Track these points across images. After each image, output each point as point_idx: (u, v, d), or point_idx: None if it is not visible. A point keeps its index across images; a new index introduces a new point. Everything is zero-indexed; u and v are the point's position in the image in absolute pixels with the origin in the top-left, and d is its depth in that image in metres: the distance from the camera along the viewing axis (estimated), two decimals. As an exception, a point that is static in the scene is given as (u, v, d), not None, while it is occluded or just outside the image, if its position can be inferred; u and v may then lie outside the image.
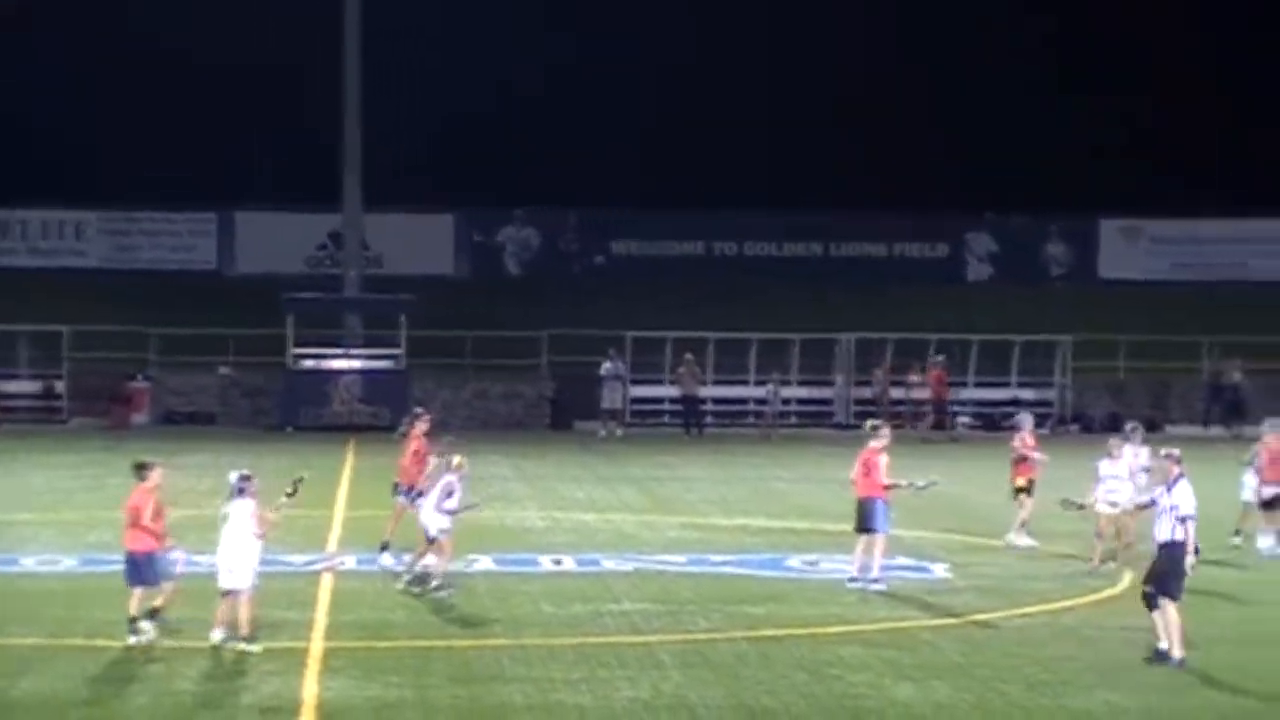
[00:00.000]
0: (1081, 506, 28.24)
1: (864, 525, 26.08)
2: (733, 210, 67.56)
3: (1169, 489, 21.26)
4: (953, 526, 32.40)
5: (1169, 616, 20.80)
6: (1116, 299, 65.13)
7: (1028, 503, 30.59)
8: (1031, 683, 19.96)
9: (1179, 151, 65.92)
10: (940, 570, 27.95)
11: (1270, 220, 69.10)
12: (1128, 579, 26.83)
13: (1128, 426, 30.93)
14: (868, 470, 26.17)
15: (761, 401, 59.28)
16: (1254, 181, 65.90)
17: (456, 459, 25.46)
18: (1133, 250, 69.84)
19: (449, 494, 25.12)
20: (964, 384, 60.41)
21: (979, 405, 60.17)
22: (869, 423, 27.62)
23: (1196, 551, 21.30)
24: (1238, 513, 31.02)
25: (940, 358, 58.15)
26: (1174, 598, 20.81)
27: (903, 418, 55.94)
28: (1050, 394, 59.47)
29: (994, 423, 58.17)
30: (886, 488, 26.08)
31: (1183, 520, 20.94)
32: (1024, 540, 30.25)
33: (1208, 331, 59.95)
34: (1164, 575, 20.94)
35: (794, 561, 28.52)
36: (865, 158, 66.03)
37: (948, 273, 69.42)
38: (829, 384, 60.46)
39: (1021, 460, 30.83)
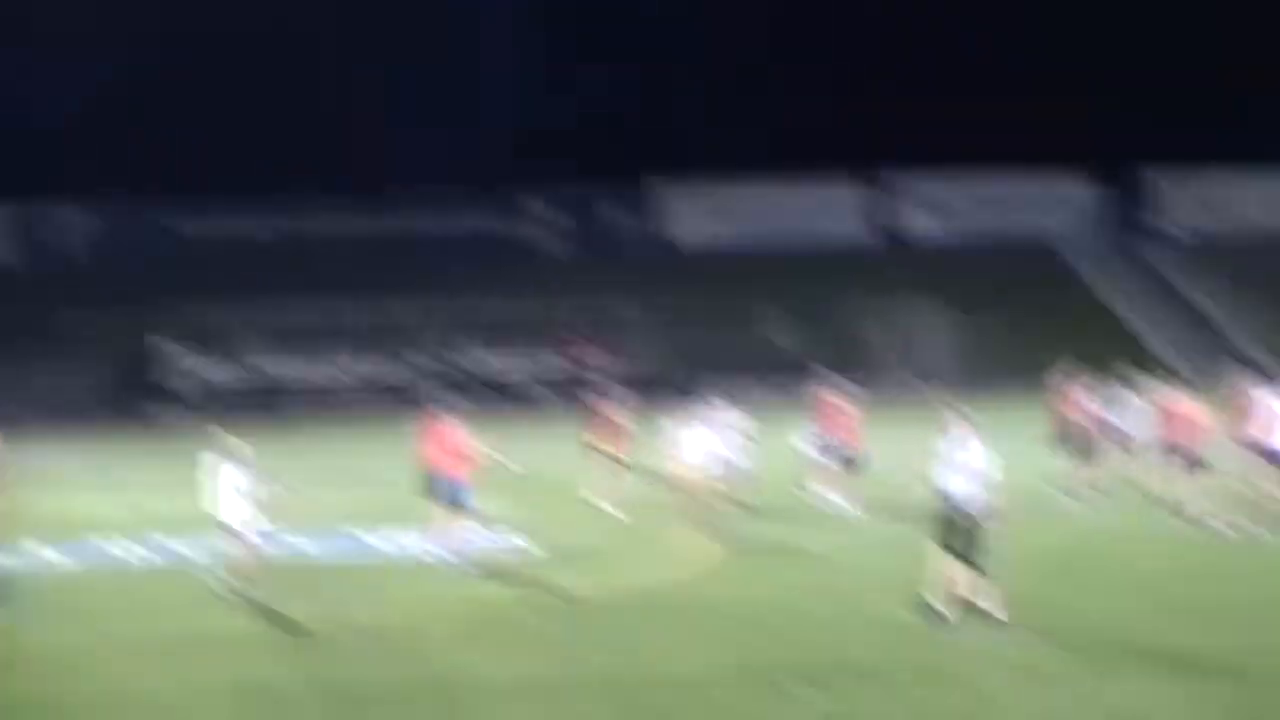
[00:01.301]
0: (659, 469, 28.72)
1: (448, 501, 26.04)
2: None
3: (961, 446, 21.24)
4: (538, 498, 32.31)
5: (952, 572, 20.91)
6: (689, 265, 65.78)
7: (618, 472, 30.74)
8: (619, 650, 20.01)
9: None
10: (527, 543, 27.85)
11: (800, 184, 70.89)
12: (713, 544, 27.21)
13: (721, 391, 31.94)
14: (448, 446, 26.03)
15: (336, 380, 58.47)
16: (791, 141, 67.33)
17: None
18: (698, 213, 70.84)
19: None
20: (534, 355, 60.65)
21: (546, 376, 60.57)
22: (443, 397, 27.45)
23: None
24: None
25: (585, 329, 58.69)
26: (958, 553, 20.89)
27: (477, 391, 56.06)
28: (615, 362, 60.00)
29: (571, 395, 58.62)
30: (467, 462, 25.96)
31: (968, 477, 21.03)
32: (616, 511, 30.30)
33: (771, 294, 61.09)
34: (952, 531, 20.99)
35: (375, 540, 28.18)
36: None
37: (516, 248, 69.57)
38: (403, 360, 60.18)
39: (614, 431, 30.86)
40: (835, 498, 30.87)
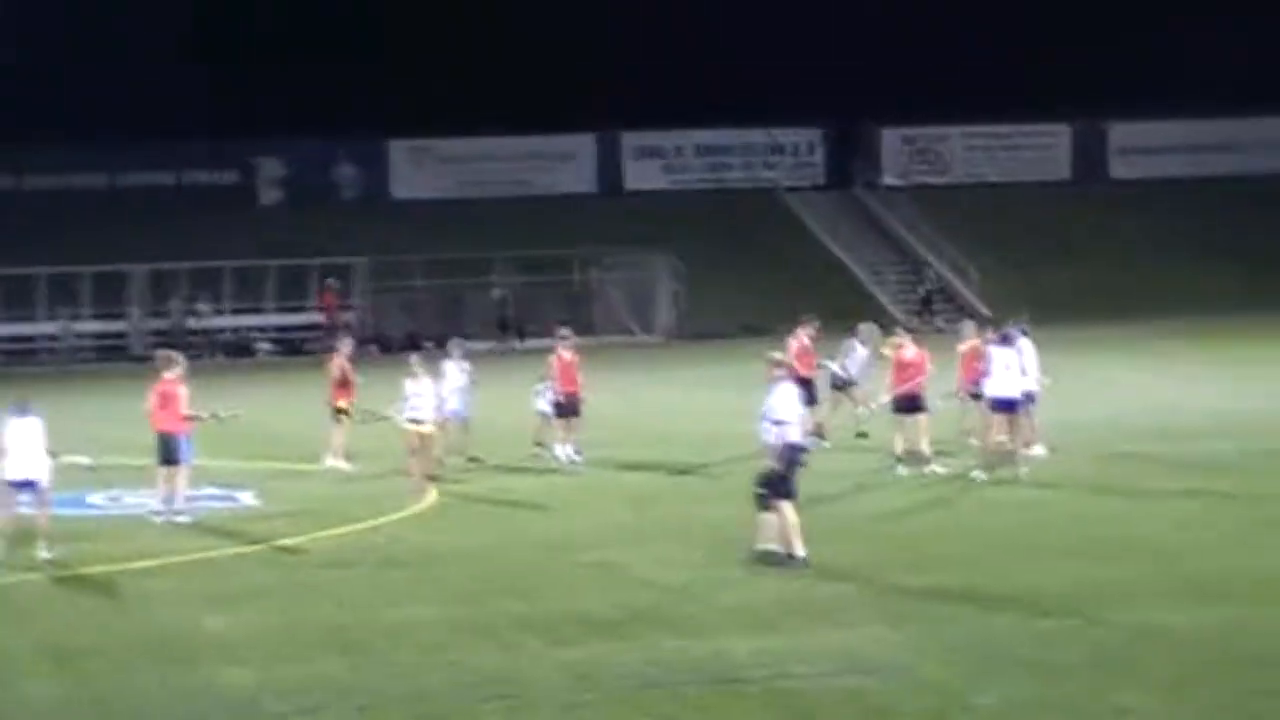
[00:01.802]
0: (385, 418, 28.71)
1: (166, 458, 25.63)
2: (11, 144, 65.01)
3: (769, 393, 21.50)
4: (259, 453, 32.18)
5: (786, 517, 21.01)
6: (408, 219, 65.78)
7: (346, 425, 30.67)
8: (341, 602, 20.03)
9: (459, 73, 66.84)
10: (248, 498, 27.75)
11: (547, 136, 70.98)
12: (433, 495, 27.33)
13: (451, 342, 32.17)
14: (165, 403, 25.71)
15: (54, 338, 57.79)
16: (531, 102, 67.44)
17: None
18: (421, 171, 70.60)
19: None
20: (262, 310, 60.42)
21: (279, 330, 60.22)
22: (160, 353, 27.18)
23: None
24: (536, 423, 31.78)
25: (333, 281, 58.16)
26: (789, 497, 21.11)
27: (199, 347, 55.49)
28: (349, 316, 59.86)
29: (295, 347, 58.37)
30: (186, 419, 25.70)
31: (778, 424, 21.21)
32: (342, 464, 30.29)
33: (496, 247, 61.34)
34: (777, 478, 21.15)
35: (95, 498, 27.80)
36: (149, 87, 64.53)
37: (239, 199, 68.66)
38: (123, 317, 59.44)
39: (342, 383, 30.87)
40: (564, 449, 31.01)
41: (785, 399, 21.55)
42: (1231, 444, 30.58)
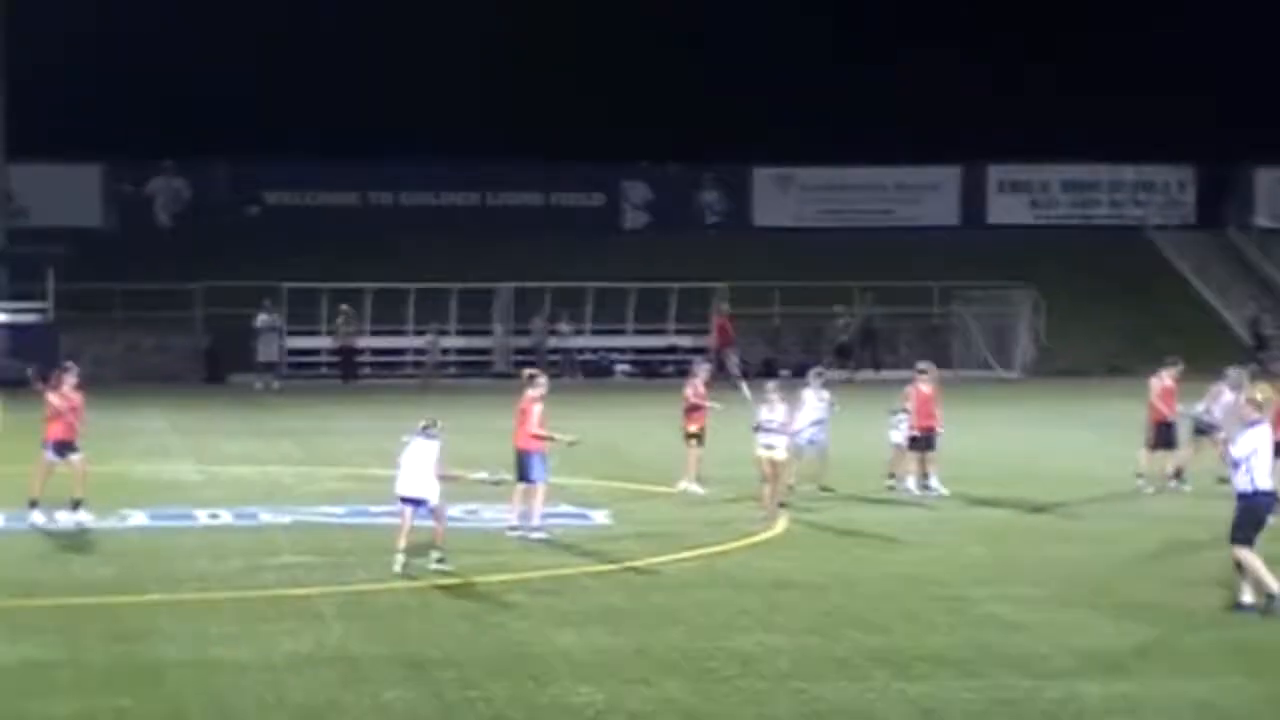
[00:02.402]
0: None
1: (522, 475, 26.08)
2: (389, 160, 66.93)
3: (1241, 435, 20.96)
4: (613, 473, 32.56)
5: (1245, 562, 20.68)
6: (769, 245, 66.02)
7: (698, 450, 30.89)
8: (690, 626, 20.14)
9: (827, 103, 66.87)
10: (601, 517, 28.08)
11: (912, 168, 70.68)
12: (784, 522, 27.36)
13: (811, 372, 32.28)
14: (523, 420, 26.18)
15: (421, 352, 59.15)
16: (896, 133, 67.20)
17: None
18: (784, 198, 70.83)
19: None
20: (623, 331, 61.11)
21: (638, 352, 60.87)
22: (526, 372, 27.67)
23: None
24: (890, 454, 31.66)
25: (725, 306, 58.84)
26: (1245, 544, 20.69)
27: (560, 366, 56.38)
28: (706, 341, 60.27)
29: (653, 370, 58.96)
30: (537, 438, 26.11)
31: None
32: (695, 487, 30.52)
33: (857, 277, 61.23)
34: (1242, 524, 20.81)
35: (454, 511, 28.35)
36: (520, 107, 65.83)
37: (604, 221, 69.67)
38: (488, 334, 60.62)
39: (694, 408, 31.11)
40: (914, 481, 30.84)
41: (1255, 442, 20.77)
42: None
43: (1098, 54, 68.24)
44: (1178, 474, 31.41)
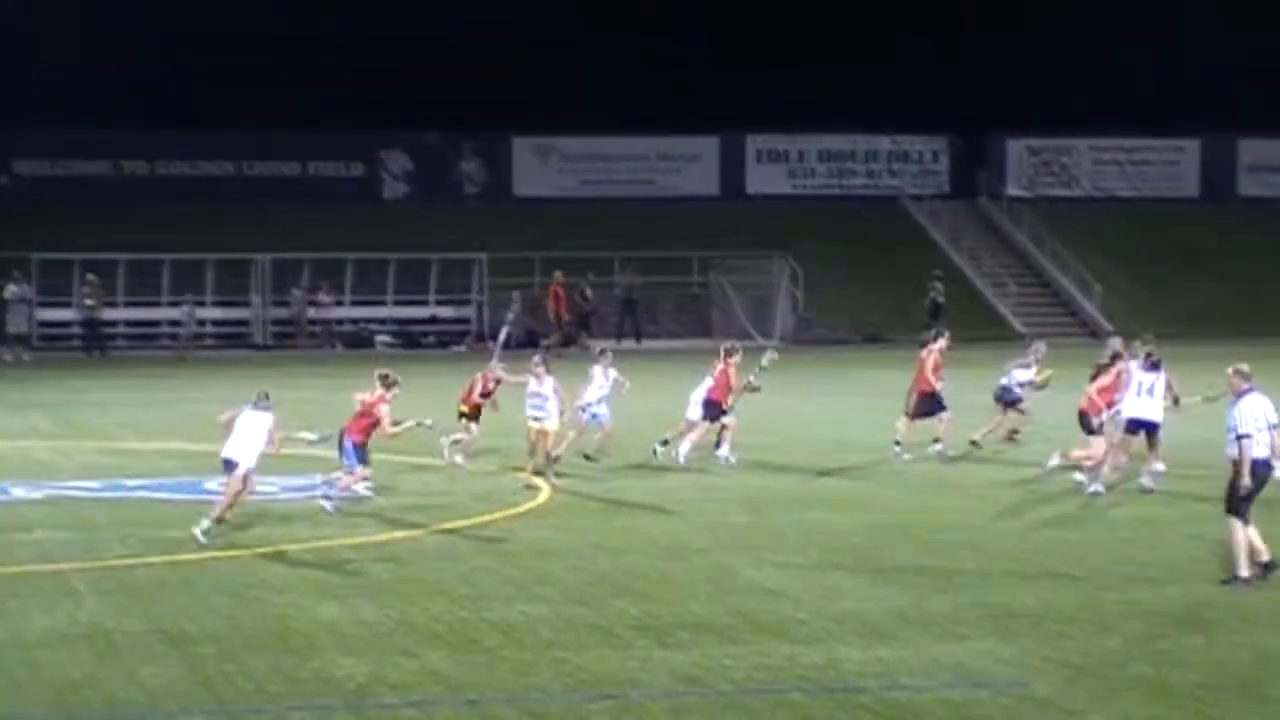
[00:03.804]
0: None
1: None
2: (142, 128, 65.78)
3: (1234, 405, 20.67)
4: (376, 445, 32.25)
5: (1233, 535, 20.55)
6: (530, 216, 65.96)
7: (472, 427, 30.68)
8: (453, 597, 20.05)
9: (586, 73, 66.92)
10: (363, 489, 27.85)
11: (671, 138, 70.98)
12: (548, 492, 27.38)
13: (599, 349, 32.75)
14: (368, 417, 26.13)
15: (176, 323, 58.36)
16: (656, 103, 67.41)
17: None
18: (544, 168, 70.79)
19: None
20: (383, 303, 60.75)
21: (398, 323, 60.56)
22: (378, 373, 27.25)
23: None
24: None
25: (558, 274, 58.61)
26: (1238, 515, 20.56)
27: (319, 338, 55.96)
28: (468, 311, 60.12)
29: (414, 340, 58.75)
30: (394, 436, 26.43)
31: (1242, 437, 20.43)
32: (461, 460, 30.28)
33: (617, 247, 61.44)
34: (1238, 494, 20.56)
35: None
36: (277, 74, 65.02)
37: (363, 191, 69.14)
38: (246, 305, 59.95)
39: (485, 392, 30.80)
40: (722, 451, 31.05)
41: (1250, 411, 20.66)
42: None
43: (853, 25, 69.03)
44: (937, 441, 31.87)
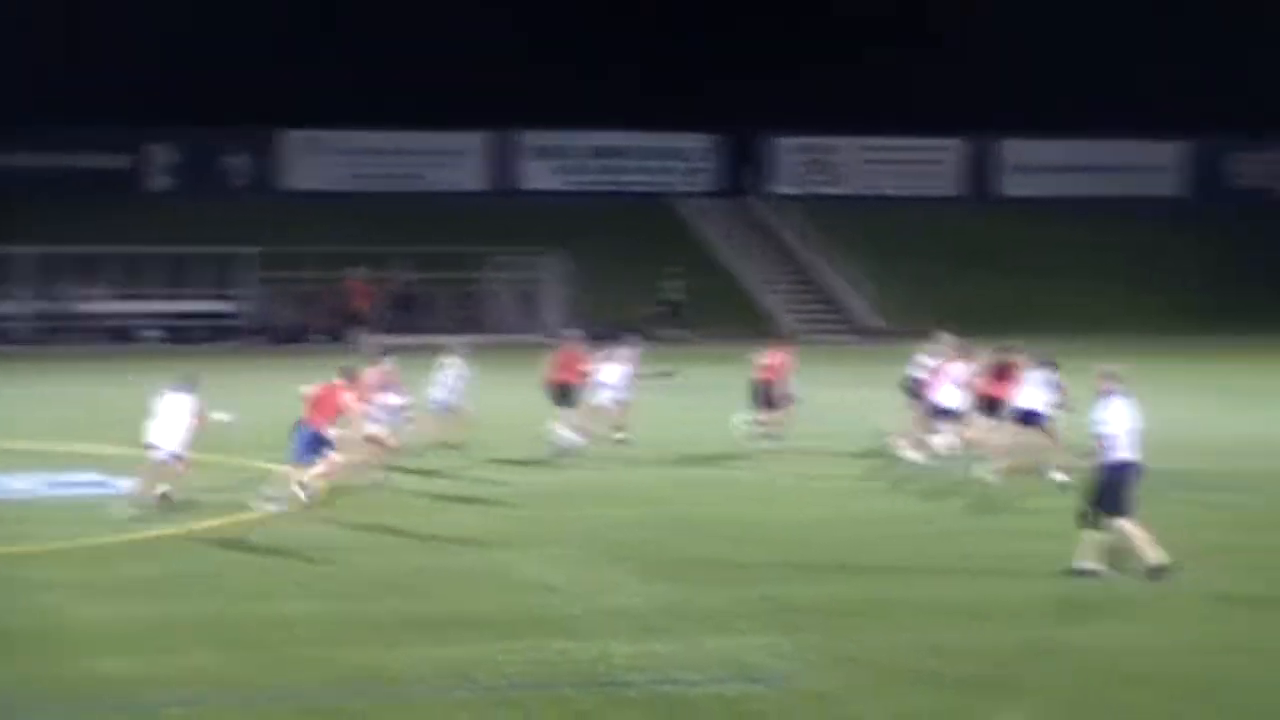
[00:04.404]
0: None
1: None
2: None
3: (1099, 407, 21.05)
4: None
5: (1128, 534, 20.60)
6: (299, 209, 65.34)
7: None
8: (226, 593, 19.85)
9: (356, 65, 66.48)
10: (130, 485, 27.43)
11: (444, 133, 70.75)
12: (326, 487, 27.20)
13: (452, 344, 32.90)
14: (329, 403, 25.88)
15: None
16: (426, 97, 67.12)
17: None
18: (314, 161, 70.16)
19: None
20: (149, 297, 59.90)
21: (165, 318, 59.73)
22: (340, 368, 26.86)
23: None
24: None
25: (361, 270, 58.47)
26: (1121, 514, 20.75)
27: (84, 333, 55.12)
28: (236, 306, 59.44)
29: (181, 335, 58.00)
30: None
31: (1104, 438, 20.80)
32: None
33: (390, 242, 61.09)
34: (1105, 494, 20.80)
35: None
36: (39, 64, 63.74)
37: (128, 184, 67.97)
38: (8, 299, 58.82)
39: None
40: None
41: (1115, 413, 20.93)
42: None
43: (622, 20, 69.28)
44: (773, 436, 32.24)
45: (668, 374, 32.53)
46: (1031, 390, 28.68)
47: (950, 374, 30.44)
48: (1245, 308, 63.72)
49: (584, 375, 32.23)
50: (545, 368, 32.58)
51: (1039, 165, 74.63)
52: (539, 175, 71.90)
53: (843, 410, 34.35)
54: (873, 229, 68.91)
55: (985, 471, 28.24)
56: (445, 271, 61.59)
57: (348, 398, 26.00)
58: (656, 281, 61.72)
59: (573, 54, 67.64)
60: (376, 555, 22.31)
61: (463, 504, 26.41)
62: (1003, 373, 29.74)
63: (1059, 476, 27.22)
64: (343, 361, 27.21)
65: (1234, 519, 24.76)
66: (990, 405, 29.58)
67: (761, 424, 32.54)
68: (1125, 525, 20.65)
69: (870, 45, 70.35)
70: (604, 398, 32.80)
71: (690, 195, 71.94)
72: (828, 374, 31.69)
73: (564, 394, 31.79)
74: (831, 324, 62.64)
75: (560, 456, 30.65)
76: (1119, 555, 20.74)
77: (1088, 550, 20.73)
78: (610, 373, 32.89)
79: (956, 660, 17.21)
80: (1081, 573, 20.59)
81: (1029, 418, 28.54)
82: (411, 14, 68.36)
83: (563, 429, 31.38)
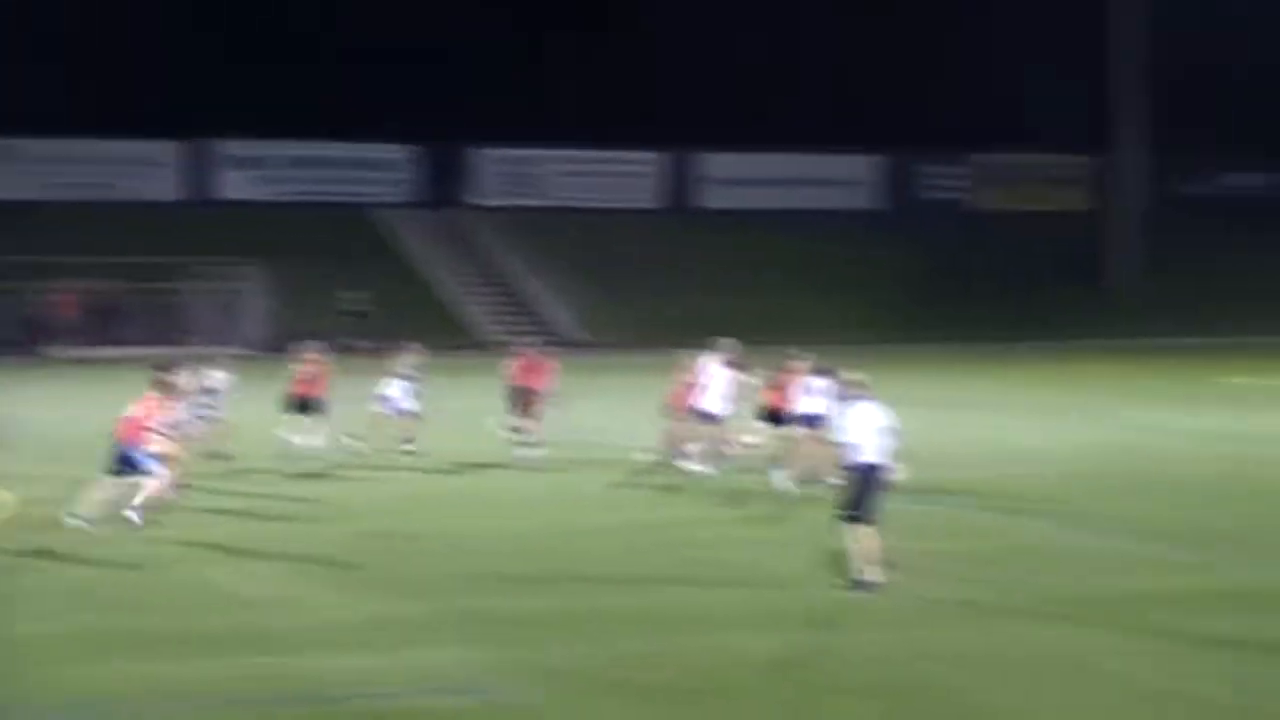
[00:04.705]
0: None
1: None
2: None
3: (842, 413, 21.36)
4: None
5: (858, 540, 20.58)
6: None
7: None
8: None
9: (48, 69, 65.18)
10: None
11: (136, 142, 69.62)
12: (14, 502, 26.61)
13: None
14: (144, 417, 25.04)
15: None
16: (125, 103, 66.03)
17: None
18: (7, 169, 68.56)
19: None
20: None
21: None
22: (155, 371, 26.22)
23: None
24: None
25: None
26: (861, 520, 20.76)
27: None
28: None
29: None
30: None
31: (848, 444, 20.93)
32: None
33: (85, 251, 59.93)
34: (851, 500, 20.83)
35: None
36: None
37: None
38: None
39: None
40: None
41: (858, 419, 20.95)
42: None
43: (321, 32, 68.84)
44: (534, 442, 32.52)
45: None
46: (811, 397, 28.98)
47: (715, 380, 30.89)
48: (938, 317, 65.22)
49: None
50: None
51: (738, 179, 75.58)
52: (237, 185, 71.07)
53: (565, 420, 34.40)
54: (574, 241, 69.28)
55: (782, 480, 28.45)
56: (143, 282, 60.60)
57: (160, 411, 25.35)
58: (335, 292, 61.22)
59: (273, 63, 66.94)
60: (71, 570, 21.84)
61: (190, 515, 25.94)
62: (783, 381, 30.23)
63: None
64: (152, 373, 26.57)
65: (940, 527, 25.23)
66: (773, 415, 30.03)
67: (518, 430, 32.94)
68: (860, 530, 20.80)
69: (565, 59, 70.74)
70: (385, 408, 33.06)
71: (391, 206, 71.65)
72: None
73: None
74: (533, 335, 62.73)
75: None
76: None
77: (857, 560, 20.85)
78: (391, 384, 33.16)
79: (665, 670, 17.31)
80: (860, 585, 20.64)
81: (811, 423, 28.87)
82: (106, 18, 67.13)
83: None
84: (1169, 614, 19.75)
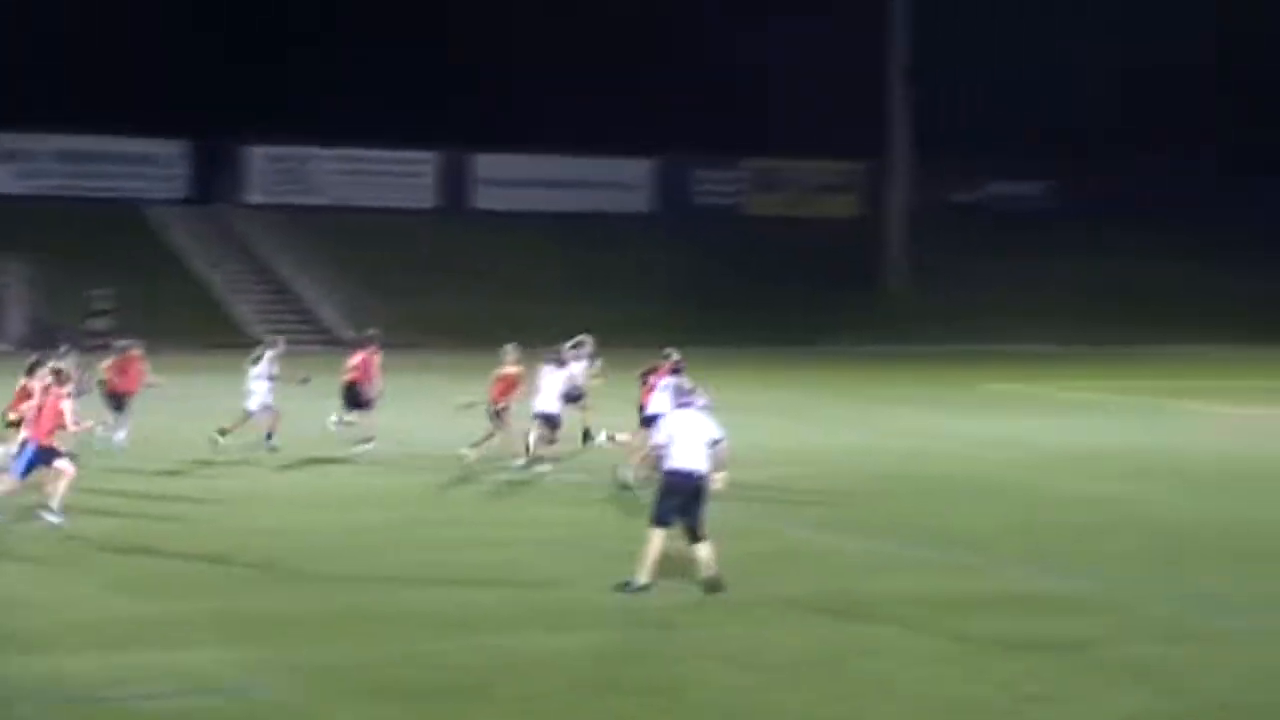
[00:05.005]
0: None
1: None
2: None
3: None
4: None
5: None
6: None
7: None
8: None
9: None
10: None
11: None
12: None
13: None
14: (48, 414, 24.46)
15: None
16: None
17: None
18: None
19: None
20: None
21: None
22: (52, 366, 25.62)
23: None
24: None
25: None
26: (657, 524, 20.60)
27: None
28: None
29: None
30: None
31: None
32: None
33: None
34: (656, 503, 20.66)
35: None
36: None
37: None
38: None
39: None
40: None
41: (683, 425, 20.83)
42: (587, 475, 31.05)
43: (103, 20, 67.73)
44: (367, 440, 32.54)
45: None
46: (663, 396, 28.91)
47: (548, 381, 31.44)
48: (716, 321, 65.52)
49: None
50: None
51: (514, 180, 75.44)
52: (2, 179, 69.57)
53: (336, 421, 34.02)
54: (347, 240, 68.75)
55: (628, 475, 28.30)
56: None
57: (66, 404, 24.59)
58: (84, 292, 60.04)
59: (43, 55, 65.69)
60: None
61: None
62: (647, 378, 30.44)
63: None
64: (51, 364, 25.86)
65: (712, 529, 25.29)
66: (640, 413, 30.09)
67: (350, 425, 33.17)
68: (654, 534, 20.58)
69: (348, 56, 70.27)
70: (250, 404, 32.84)
71: (160, 202, 70.54)
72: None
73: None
74: (304, 334, 62.04)
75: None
76: (690, 565, 20.85)
77: (700, 561, 20.72)
78: (255, 380, 32.86)
79: (432, 671, 17.12)
80: (628, 585, 20.46)
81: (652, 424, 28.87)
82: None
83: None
84: (933, 615, 19.92)
